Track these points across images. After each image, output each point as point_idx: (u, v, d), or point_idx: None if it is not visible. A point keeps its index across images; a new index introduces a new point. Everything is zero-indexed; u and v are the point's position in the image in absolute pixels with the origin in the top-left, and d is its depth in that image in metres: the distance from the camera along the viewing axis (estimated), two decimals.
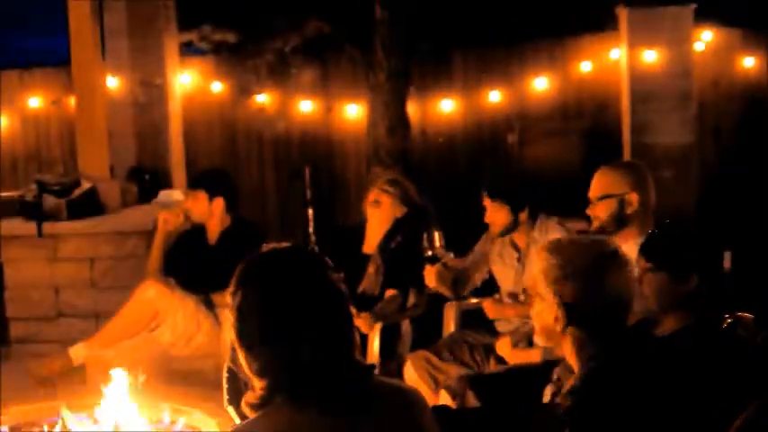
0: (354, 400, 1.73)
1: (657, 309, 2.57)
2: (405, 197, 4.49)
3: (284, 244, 1.82)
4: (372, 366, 1.82)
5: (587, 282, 2.22)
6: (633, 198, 3.38)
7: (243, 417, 1.86)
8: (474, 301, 4.38)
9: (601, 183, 3.46)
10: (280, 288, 1.72)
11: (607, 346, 2.21)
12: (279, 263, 1.77)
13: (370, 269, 4.44)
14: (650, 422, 2.08)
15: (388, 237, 4.43)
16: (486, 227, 4.22)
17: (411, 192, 4.55)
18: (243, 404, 1.80)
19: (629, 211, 3.38)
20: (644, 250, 2.64)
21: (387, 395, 1.81)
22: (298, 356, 1.70)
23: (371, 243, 4.50)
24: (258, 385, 1.74)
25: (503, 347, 3.85)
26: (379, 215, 4.48)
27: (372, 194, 4.51)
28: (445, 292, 4.30)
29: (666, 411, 2.09)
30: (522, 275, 4.07)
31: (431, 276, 4.15)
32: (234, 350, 1.83)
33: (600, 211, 3.41)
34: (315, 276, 1.76)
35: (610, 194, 3.39)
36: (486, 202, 4.03)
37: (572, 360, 2.28)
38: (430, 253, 4.12)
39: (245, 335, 1.73)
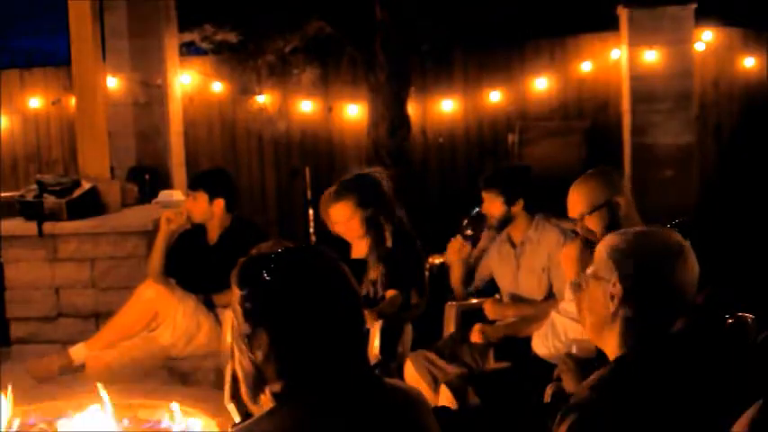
0: (358, 400, 1.72)
1: None
2: (361, 202, 4.22)
3: (283, 242, 1.80)
4: (376, 365, 1.82)
5: (654, 263, 2.09)
6: (620, 200, 3.35)
7: (244, 414, 1.85)
8: (474, 301, 4.38)
9: (583, 197, 3.37)
10: (286, 286, 1.71)
11: (652, 341, 2.09)
12: (286, 261, 1.75)
13: (372, 274, 4.31)
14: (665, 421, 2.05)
15: (377, 239, 4.27)
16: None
17: (365, 189, 4.26)
18: (245, 400, 1.78)
19: (620, 213, 3.34)
20: None
21: (389, 395, 1.80)
22: (302, 356, 1.69)
23: (360, 250, 4.36)
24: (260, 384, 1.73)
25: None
26: (351, 233, 4.34)
27: (337, 225, 4.34)
28: (457, 273, 4.28)
29: (672, 412, 2.08)
30: (519, 272, 4.08)
31: (454, 249, 4.18)
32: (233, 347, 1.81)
33: (593, 224, 3.33)
34: (325, 275, 1.74)
35: (599, 205, 3.33)
36: (483, 193, 4.06)
37: (613, 355, 2.15)
38: (469, 232, 4.15)
39: (250, 332, 1.71)
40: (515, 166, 4.40)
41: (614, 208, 3.34)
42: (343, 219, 4.22)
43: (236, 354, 1.75)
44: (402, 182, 7.86)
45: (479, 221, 4.15)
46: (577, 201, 3.39)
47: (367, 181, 4.30)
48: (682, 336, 2.30)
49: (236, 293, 1.74)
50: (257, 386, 1.73)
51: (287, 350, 1.69)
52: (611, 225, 3.28)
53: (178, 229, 4.73)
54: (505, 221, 4.08)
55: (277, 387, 1.70)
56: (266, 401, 1.73)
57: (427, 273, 4.59)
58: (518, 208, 4.03)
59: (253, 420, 1.74)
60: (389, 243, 4.24)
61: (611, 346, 2.15)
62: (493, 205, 4.06)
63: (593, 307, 2.16)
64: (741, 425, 1.77)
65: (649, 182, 7.85)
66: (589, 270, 2.18)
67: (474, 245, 4.26)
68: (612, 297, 2.10)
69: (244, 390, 1.76)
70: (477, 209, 4.17)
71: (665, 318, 2.13)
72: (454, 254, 4.22)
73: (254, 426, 1.71)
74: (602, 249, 2.16)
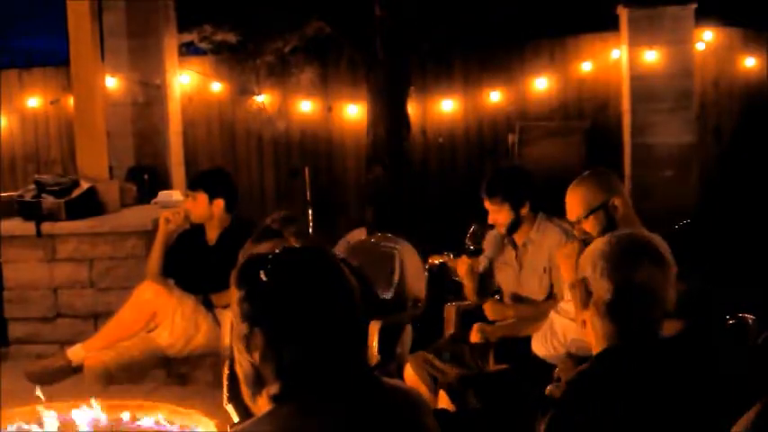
0: (357, 400, 1.72)
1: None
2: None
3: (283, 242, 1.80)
4: (375, 366, 1.81)
5: (613, 268, 2.15)
6: (617, 202, 3.34)
7: (242, 415, 1.85)
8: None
9: (580, 200, 3.37)
10: (282, 287, 1.70)
11: (622, 342, 2.15)
12: (284, 262, 1.74)
13: None
14: (644, 424, 2.06)
15: None
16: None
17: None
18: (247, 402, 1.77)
19: (617, 215, 3.33)
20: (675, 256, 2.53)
21: (389, 395, 1.80)
22: (299, 356, 1.69)
23: None
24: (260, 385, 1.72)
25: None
26: None
27: None
28: (469, 285, 4.28)
29: (665, 413, 2.08)
30: (521, 273, 4.07)
31: (464, 266, 4.18)
32: (233, 349, 1.81)
33: (591, 227, 3.32)
34: (324, 275, 1.73)
35: (595, 207, 3.32)
36: (487, 204, 4.03)
37: (591, 340, 2.23)
38: (472, 247, 4.19)
39: (247, 333, 1.71)
40: (513, 169, 4.36)
41: (611, 210, 3.32)
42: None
43: (236, 354, 1.75)
44: (402, 182, 7.87)
45: (479, 234, 4.16)
46: (574, 204, 3.38)
47: (296, 221, 4.17)
48: (675, 337, 2.32)
49: (235, 294, 1.74)
50: (256, 387, 1.73)
51: (283, 351, 1.68)
52: (609, 227, 3.26)
53: (177, 230, 4.72)
54: (515, 225, 4.05)
55: (275, 388, 1.69)
56: (264, 403, 1.72)
57: (427, 273, 4.58)
58: (526, 210, 4.01)
59: (252, 421, 1.73)
60: None
61: (595, 348, 2.20)
62: (500, 214, 4.02)
63: (576, 310, 2.24)
64: (741, 426, 1.76)
65: (649, 182, 7.85)
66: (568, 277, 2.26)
67: (479, 254, 4.26)
68: (580, 297, 2.19)
69: (244, 390, 1.76)
70: (474, 226, 4.17)
71: (639, 320, 2.16)
72: (465, 275, 4.22)
73: (253, 426, 1.70)
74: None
